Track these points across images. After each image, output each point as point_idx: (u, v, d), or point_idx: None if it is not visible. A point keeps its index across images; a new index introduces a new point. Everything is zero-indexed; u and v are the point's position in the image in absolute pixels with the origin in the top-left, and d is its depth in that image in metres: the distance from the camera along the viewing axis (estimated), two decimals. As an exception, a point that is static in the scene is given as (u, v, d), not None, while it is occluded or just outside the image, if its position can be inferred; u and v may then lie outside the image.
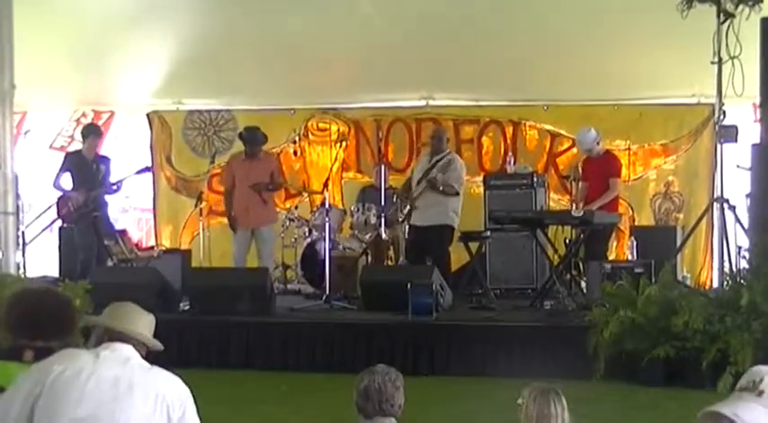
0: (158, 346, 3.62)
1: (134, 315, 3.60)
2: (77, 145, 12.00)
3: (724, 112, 9.16)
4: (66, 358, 3.40)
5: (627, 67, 11.31)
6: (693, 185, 12.12)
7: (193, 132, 13.23)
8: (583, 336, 8.03)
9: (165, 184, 13.28)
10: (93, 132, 11.15)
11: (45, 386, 3.28)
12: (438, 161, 10.67)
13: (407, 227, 11.02)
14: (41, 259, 11.85)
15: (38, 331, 3.73)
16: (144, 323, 3.61)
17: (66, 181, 10.80)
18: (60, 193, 10.82)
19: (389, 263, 11.14)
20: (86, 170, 10.70)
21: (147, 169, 11.77)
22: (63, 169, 10.87)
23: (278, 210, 12.52)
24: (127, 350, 3.47)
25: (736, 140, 9.25)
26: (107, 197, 11.00)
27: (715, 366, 7.50)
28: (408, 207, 10.81)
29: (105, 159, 10.93)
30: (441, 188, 10.48)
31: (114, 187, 10.90)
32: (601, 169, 10.60)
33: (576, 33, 10.88)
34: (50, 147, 13.01)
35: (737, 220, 9.28)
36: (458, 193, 10.54)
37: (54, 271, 11.33)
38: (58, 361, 3.38)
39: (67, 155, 11.47)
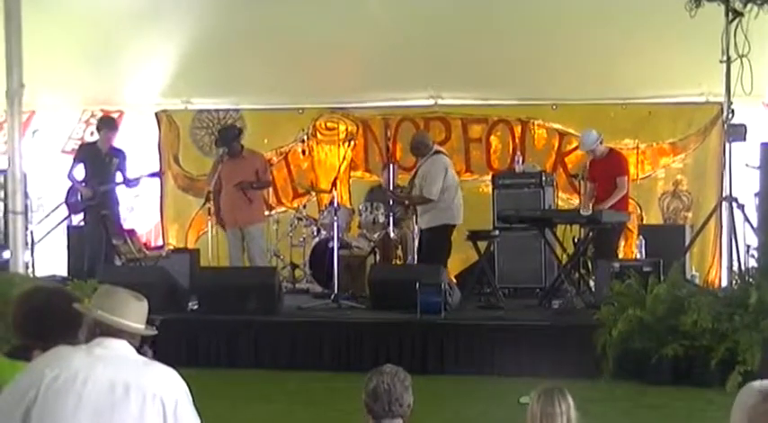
0: (151, 332, 3.54)
1: (126, 304, 3.48)
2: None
3: (732, 111, 9.15)
4: (59, 359, 3.34)
5: (635, 65, 11.29)
6: (702, 184, 12.08)
7: (201, 132, 13.24)
8: (591, 335, 8.02)
9: (171, 183, 13.29)
10: (107, 125, 11.11)
11: (40, 392, 3.24)
12: (421, 166, 10.75)
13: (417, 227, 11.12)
14: (50, 258, 11.86)
15: (46, 331, 3.72)
16: (136, 312, 3.50)
17: (80, 172, 10.81)
18: (71, 184, 10.82)
19: (398, 262, 11.14)
20: (99, 162, 10.69)
21: (156, 174, 11.76)
22: (77, 160, 10.89)
23: (283, 209, 12.60)
24: (121, 346, 3.40)
25: (744, 139, 9.24)
26: (121, 193, 10.99)
27: (723, 365, 7.48)
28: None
29: (120, 152, 10.85)
30: (410, 202, 10.81)
31: (134, 182, 10.90)
32: (607, 169, 10.58)
33: (584, 32, 10.86)
34: (62, 151, 12.98)
35: (746, 218, 9.26)
36: (431, 200, 10.48)
37: (62, 270, 11.35)
38: (51, 363, 3.32)
39: (82, 145, 11.50)
